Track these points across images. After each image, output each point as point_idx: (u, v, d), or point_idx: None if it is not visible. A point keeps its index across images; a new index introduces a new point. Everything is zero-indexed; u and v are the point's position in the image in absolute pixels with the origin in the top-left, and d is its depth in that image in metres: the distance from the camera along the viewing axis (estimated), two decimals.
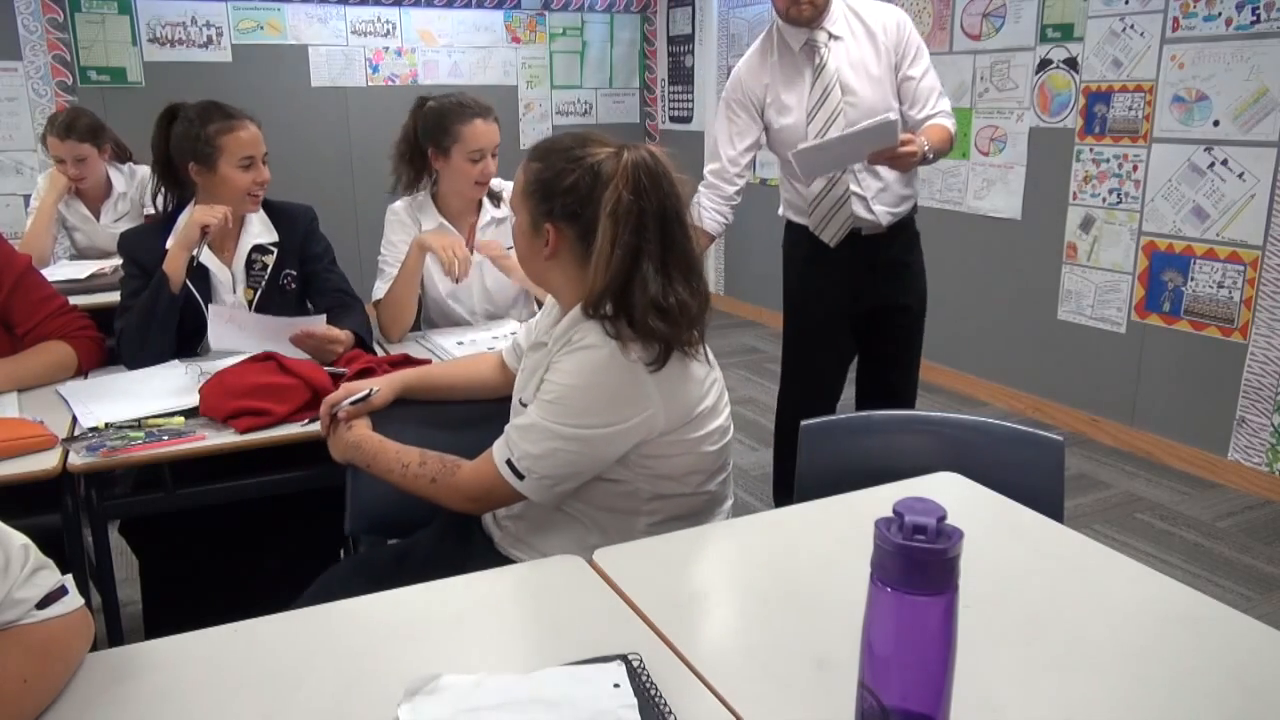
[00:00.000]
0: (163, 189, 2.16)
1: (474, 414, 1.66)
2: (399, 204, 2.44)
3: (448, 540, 1.53)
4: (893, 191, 2.50)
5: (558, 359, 1.33)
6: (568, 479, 1.34)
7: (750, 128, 2.49)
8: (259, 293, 2.16)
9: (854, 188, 2.47)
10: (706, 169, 2.54)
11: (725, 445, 1.45)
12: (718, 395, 1.41)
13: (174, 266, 2.03)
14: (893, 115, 2.27)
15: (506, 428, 1.37)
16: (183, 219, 2.12)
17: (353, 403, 1.54)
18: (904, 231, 2.59)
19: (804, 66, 2.41)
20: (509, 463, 1.33)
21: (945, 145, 2.41)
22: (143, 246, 2.10)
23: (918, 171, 2.50)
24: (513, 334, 1.67)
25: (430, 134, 2.29)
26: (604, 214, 1.27)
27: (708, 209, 2.52)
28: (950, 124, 2.44)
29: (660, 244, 1.28)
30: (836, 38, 2.39)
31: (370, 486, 1.58)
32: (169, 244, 2.07)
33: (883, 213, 2.50)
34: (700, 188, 2.52)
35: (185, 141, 2.06)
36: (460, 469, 1.39)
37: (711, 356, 1.43)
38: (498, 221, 2.41)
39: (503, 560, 1.46)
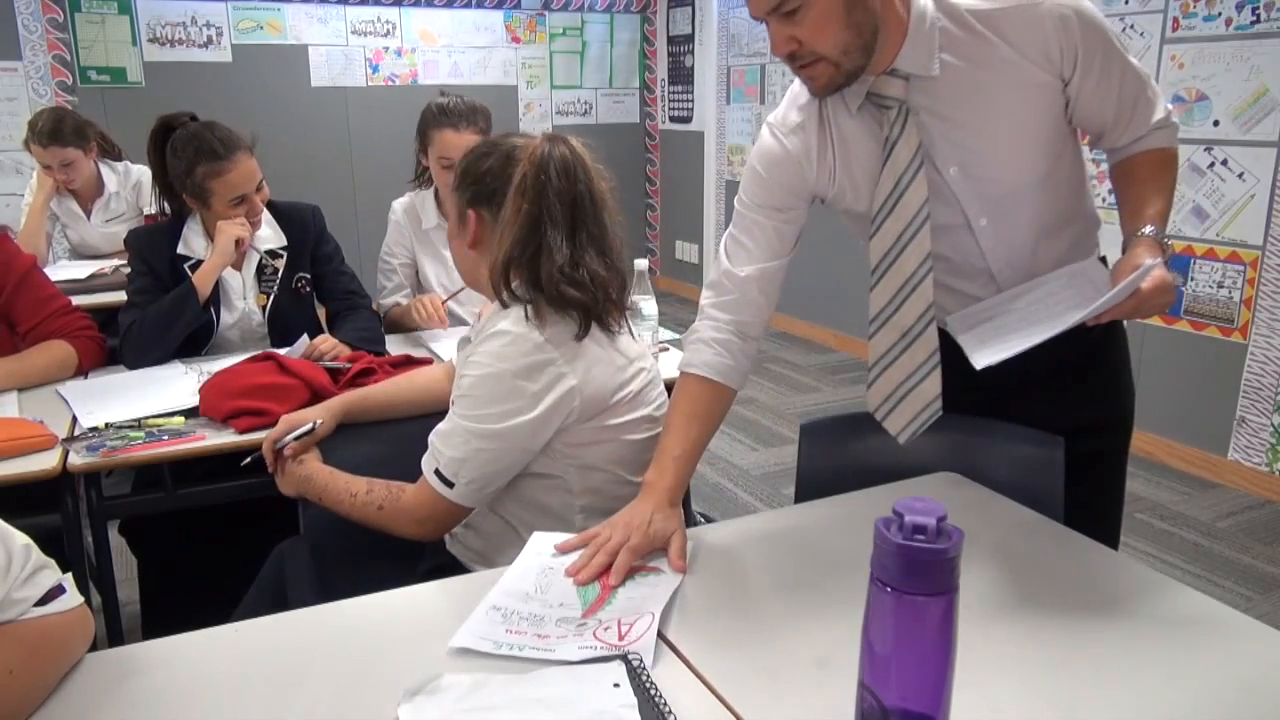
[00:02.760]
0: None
1: (426, 430, 1.64)
2: (399, 202, 2.49)
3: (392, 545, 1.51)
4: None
5: (471, 351, 1.34)
6: (495, 477, 1.33)
7: (777, 235, 1.39)
8: (271, 297, 2.16)
9: (955, 282, 1.42)
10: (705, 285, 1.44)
11: (656, 436, 1.41)
12: (644, 385, 1.41)
13: (206, 281, 2.05)
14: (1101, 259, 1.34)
15: (430, 435, 1.35)
16: (190, 227, 2.12)
17: (297, 437, 1.52)
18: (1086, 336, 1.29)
19: (873, 132, 1.33)
20: (436, 472, 1.32)
21: (1172, 193, 1.38)
22: (151, 245, 2.11)
23: (1095, 218, 1.50)
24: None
25: (419, 137, 2.38)
26: (511, 190, 1.31)
27: (699, 340, 1.37)
28: (1169, 141, 1.38)
29: (568, 218, 1.31)
30: (925, 78, 1.27)
31: (323, 512, 1.56)
32: (184, 249, 2.09)
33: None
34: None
35: (177, 178, 2.04)
36: (405, 492, 1.36)
37: (644, 348, 1.44)
38: None
39: (453, 560, 1.46)
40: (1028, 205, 1.34)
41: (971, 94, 1.28)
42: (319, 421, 1.54)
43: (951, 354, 1.34)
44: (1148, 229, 1.28)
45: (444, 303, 2.31)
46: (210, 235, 2.12)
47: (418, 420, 1.64)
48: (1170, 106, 1.37)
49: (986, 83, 1.27)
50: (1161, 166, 1.37)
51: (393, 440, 1.60)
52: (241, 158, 2.04)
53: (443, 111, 2.30)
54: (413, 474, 1.37)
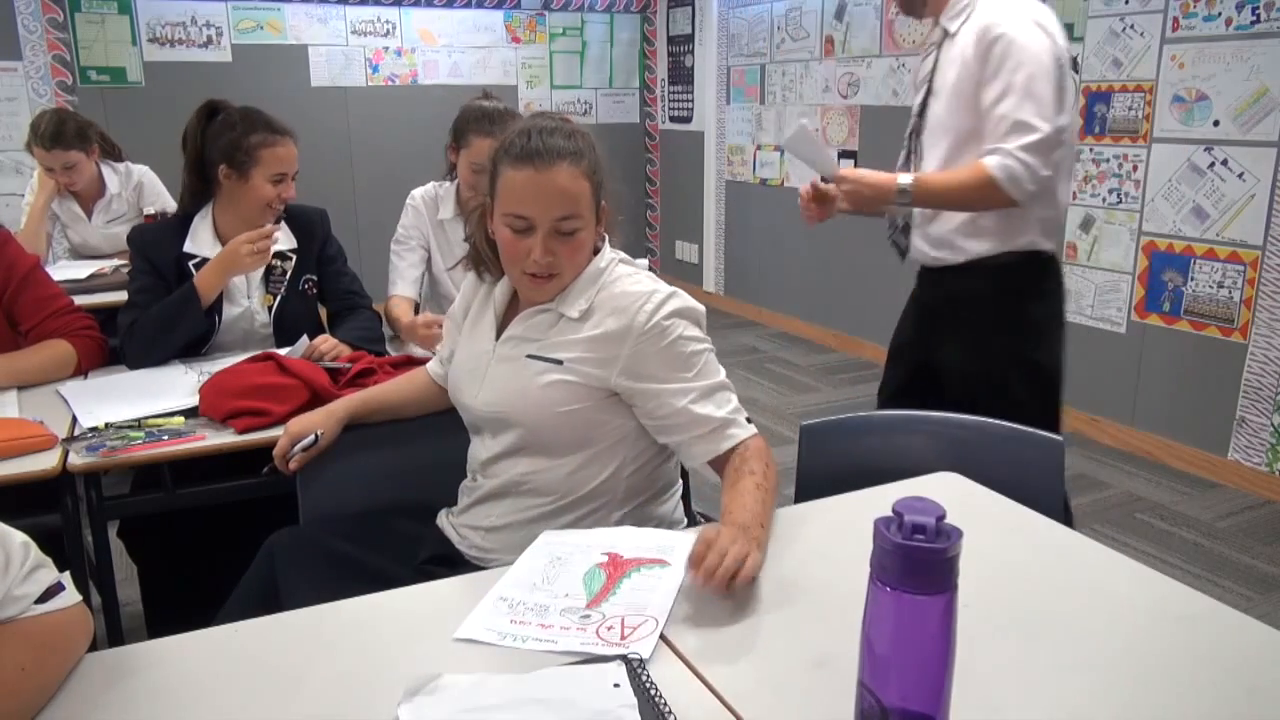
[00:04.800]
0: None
1: (432, 430, 1.64)
2: (419, 190, 2.48)
3: (384, 540, 1.50)
4: (940, 226, 2.02)
5: (651, 328, 1.32)
6: None
7: None
8: (278, 298, 2.17)
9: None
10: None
11: None
12: None
13: (209, 285, 2.04)
14: (805, 122, 1.96)
15: (710, 418, 1.33)
16: (198, 225, 2.13)
17: (303, 449, 1.51)
18: (967, 277, 2.02)
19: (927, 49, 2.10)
20: (749, 419, 1.36)
21: (952, 196, 1.92)
22: (155, 244, 2.11)
23: (1003, 213, 1.93)
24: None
25: (454, 134, 2.36)
26: (605, 166, 1.39)
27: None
28: (993, 168, 1.82)
29: None
30: (951, 36, 1.97)
31: (320, 505, 1.55)
32: (192, 246, 2.09)
33: (919, 246, 2.09)
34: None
35: (224, 144, 2.06)
36: (765, 446, 1.35)
37: None
38: None
39: (458, 556, 1.46)
40: (941, 146, 2.00)
41: (952, 53, 1.96)
42: (320, 433, 1.53)
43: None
44: (906, 179, 1.93)
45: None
46: (220, 233, 2.13)
47: (421, 421, 1.64)
48: (1022, 156, 1.82)
49: (957, 54, 1.94)
50: (954, 175, 1.92)
51: (400, 441, 1.61)
52: (291, 141, 2.12)
53: (487, 118, 2.26)
54: (424, 476, 1.43)
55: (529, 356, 1.39)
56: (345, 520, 1.51)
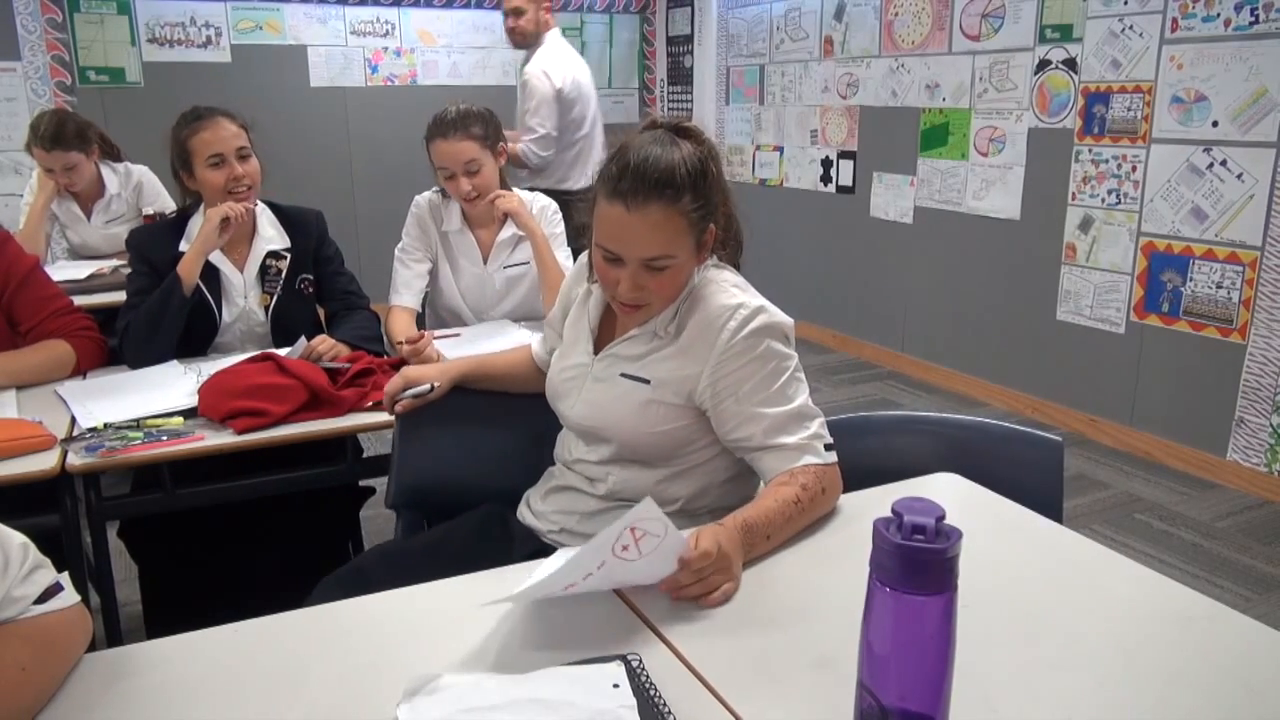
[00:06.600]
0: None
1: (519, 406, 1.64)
2: (422, 196, 2.44)
3: (487, 532, 1.50)
4: None
5: (734, 345, 1.31)
6: None
7: None
8: (275, 298, 2.17)
9: None
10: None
11: None
12: None
13: (189, 268, 2.04)
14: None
15: (784, 444, 1.30)
16: (194, 222, 2.13)
17: (414, 395, 1.53)
18: None
19: None
20: (827, 446, 1.31)
21: (514, 162, 3.73)
22: (153, 244, 2.11)
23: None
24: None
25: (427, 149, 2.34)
26: (718, 186, 1.33)
27: None
28: (519, 149, 3.76)
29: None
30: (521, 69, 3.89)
31: (414, 459, 1.58)
32: (187, 245, 2.09)
33: None
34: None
35: (171, 151, 2.09)
36: (826, 471, 1.30)
37: None
38: (519, 239, 2.40)
39: (549, 551, 1.44)
40: None
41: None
42: (435, 384, 1.54)
43: None
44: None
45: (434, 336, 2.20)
46: None
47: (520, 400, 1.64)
48: (528, 146, 3.81)
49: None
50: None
51: (491, 420, 1.63)
52: (220, 120, 2.09)
53: (437, 122, 2.27)
54: (515, 457, 1.50)
55: (622, 375, 1.39)
56: (433, 528, 1.51)
